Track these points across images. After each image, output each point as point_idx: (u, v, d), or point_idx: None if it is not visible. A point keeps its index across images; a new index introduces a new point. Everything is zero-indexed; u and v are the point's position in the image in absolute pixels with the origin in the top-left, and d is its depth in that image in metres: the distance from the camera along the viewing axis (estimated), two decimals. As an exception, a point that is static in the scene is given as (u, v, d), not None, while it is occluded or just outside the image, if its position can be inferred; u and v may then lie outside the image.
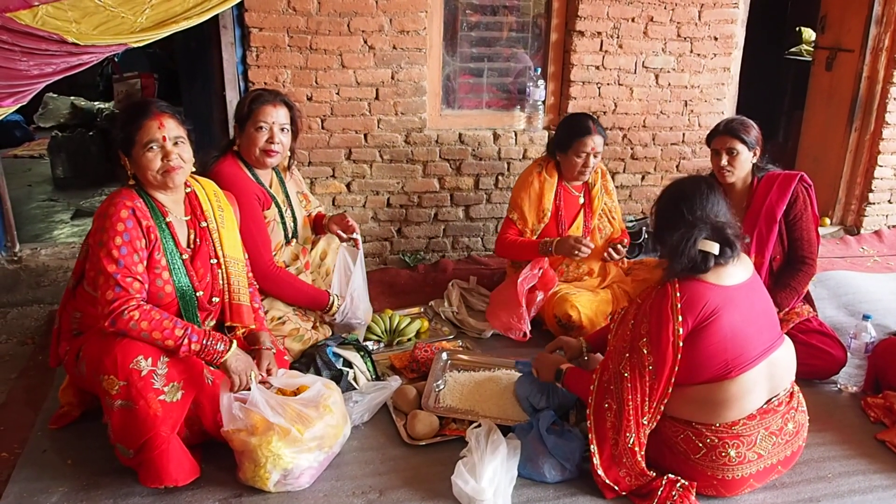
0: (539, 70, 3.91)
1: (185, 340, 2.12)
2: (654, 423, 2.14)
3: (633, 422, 2.11)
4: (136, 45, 2.76)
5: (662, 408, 2.13)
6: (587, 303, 3.11)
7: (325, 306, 2.89)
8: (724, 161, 2.94)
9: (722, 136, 2.95)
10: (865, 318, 2.98)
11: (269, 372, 2.32)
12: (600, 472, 2.17)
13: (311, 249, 2.96)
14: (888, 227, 4.67)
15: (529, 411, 2.55)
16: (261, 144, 2.71)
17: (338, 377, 2.67)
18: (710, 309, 2.06)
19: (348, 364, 2.78)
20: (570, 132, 3.21)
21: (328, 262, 2.94)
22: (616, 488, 2.18)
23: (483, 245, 4.07)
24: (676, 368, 2.08)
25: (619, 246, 3.22)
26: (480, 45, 3.91)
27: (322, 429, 2.24)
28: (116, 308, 2.06)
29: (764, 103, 6.02)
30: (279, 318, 2.77)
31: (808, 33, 6.14)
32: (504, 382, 2.78)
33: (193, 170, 2.32)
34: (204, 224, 2.35)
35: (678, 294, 2.07)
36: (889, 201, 4.62)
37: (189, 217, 2.34)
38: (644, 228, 3.95)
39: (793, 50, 6.26)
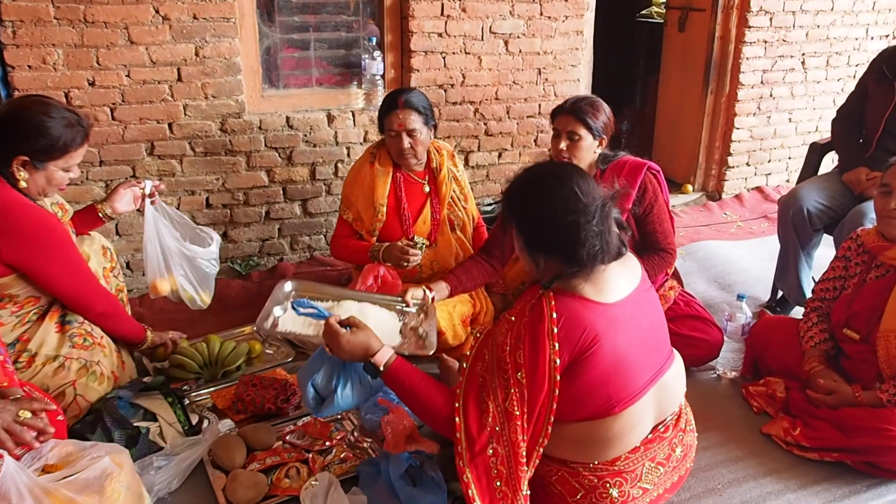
0: (375, 40, 3.43)
1: None
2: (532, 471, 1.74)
3: (524, 467, 1.69)
4: None
5: (541, 451, 1.72)
6: (443, 305, 2.69)
7: (142, 341, 2.47)
8: (563, 145, 2.54)
9: (565, 116, 2.54)
10: (740, 297, 2.77)
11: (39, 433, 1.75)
12: None
13: None
14: (748, 191, 4.60)
15: (313, 404, 1.90)
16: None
17: (135, 436, 2.12)
18: (591, 336, 1.65)
19: (151, 416, 2.23)
20: (380, 110, 2.80)
21: (94, 265, 2.36)
22: None
23: (326, 242, 3.58)
24: (555, 406, 1.67)
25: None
26: (305, 13, 3.37)
27: (105, 519, 1.71)
28: None
29: (618, 68, 5.87)
30: (56, 361, 2.16)
31: (658, -6, 6.02)
32: (364, 310, 2.25)
33: None
34: None
35: (554, 315, 1.65)
36: (747, 164, 4.54)
37: None
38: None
39: (643, 12, 6.12)
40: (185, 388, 2.50)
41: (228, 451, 2.14)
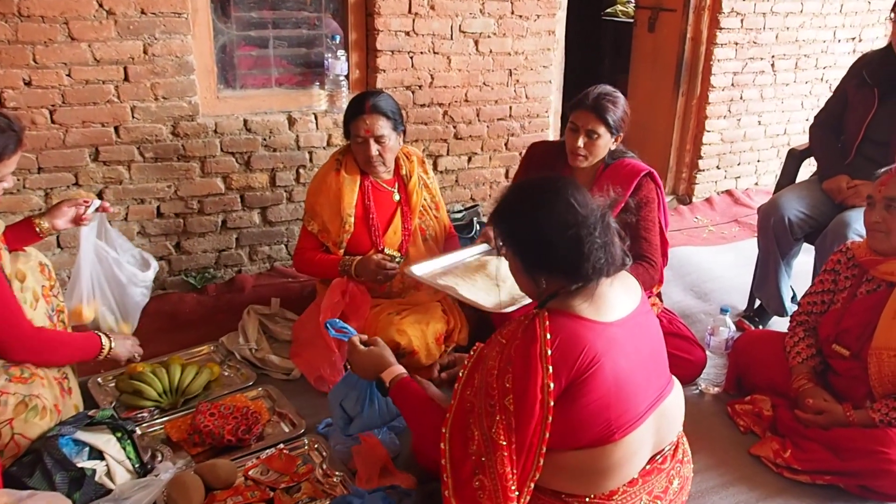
0: (339, 38, 3.23)
1: None
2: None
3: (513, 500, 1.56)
4: None
5: (532, 485, 1.58)
6: (416, 323, 2.54)
7: (98, 353, 2.20)
8: (581, 143, 2.45)
9: (586, 113, 2.43)
10: (723, 311, 2.67)
11: None
12: None
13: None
14: (718, 194, 4.54)
15: (343, 421, 2.01)
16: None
17: (79, 479, 1.91)
18: (590, 357, 1.52)
19: (98, 454, 2.01)
20: (346, 114, 2.63)
21: (30, 284, 2.11)
22: None
23: (288, 252, 3.37)
24: (547, 435, 1.54)
25: None
26: (263, 8, 3.15)
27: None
28: None
29: (584, 68, 5.76)
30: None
31: (623, -7, 5.94)
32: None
33: None
34: None
35: (548, 336, 1.52)
36: (717, 167, 4.47)
37: None
38: (475, 220, 3.44)
39: (608, 11, 6.04)
40: (140, 415, 2.30)
41: (185, 492, 1.94)
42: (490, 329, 2.31)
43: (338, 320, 2.07)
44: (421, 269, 2.52)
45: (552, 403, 1.51)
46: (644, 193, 2.53)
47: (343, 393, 2.00)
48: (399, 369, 1.86)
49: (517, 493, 1.54)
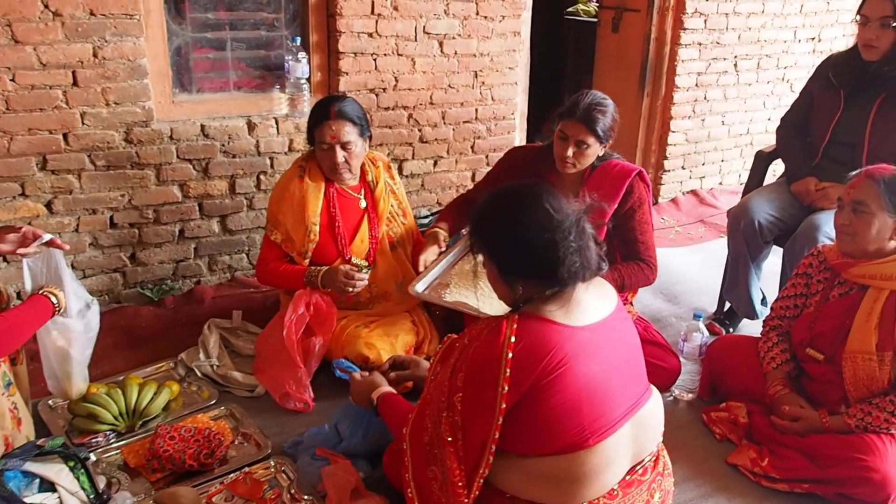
0: (299, 40, 3.13)
1: None
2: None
3: (464, 500, 1.59)
4: None
5: (481, 481, 1.59)
6: (384, 336, 2.48)
7: (53, 311, 1.98)
8: (570, 152, 2.42)
9: (576, 124, 2.39)
10: (696, 317, 2.64)
11: None
12: None
13: None
14: (683, 194, 4.54)
15: (333, 441, 2.15)
16: None
17: (29, 515, 1.79)
18: (556, 360, 1.51)
19: (49, 486, 1.89)
20: (310, 120, 2.55)
21: None
22: None
23: (249, 261, 3.25)
24: (497, 435, 1.54)
25: None
26: (219, 9, 3.03)
27: None
28: None
29: (547, 68, 5.73)
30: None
31: (584, -8, 5.91)
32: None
33: None
34: None
35: (513, 339, 1.52)
36: (682, 167, 4.47)
37: None
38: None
39: (570, 10, 6.01)
40: (95, 440, 2.18)
41: (144, 523, 1.84)
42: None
43: (343, 360, 2.32)
44: (422, 286, 2.44)
45: (504, 406, 1.52)
46: (637, 195, 2.52)
47: (341, 417, 2.17)
48: (386, 389, 1.99)
49: (465, 489, 1.57)
